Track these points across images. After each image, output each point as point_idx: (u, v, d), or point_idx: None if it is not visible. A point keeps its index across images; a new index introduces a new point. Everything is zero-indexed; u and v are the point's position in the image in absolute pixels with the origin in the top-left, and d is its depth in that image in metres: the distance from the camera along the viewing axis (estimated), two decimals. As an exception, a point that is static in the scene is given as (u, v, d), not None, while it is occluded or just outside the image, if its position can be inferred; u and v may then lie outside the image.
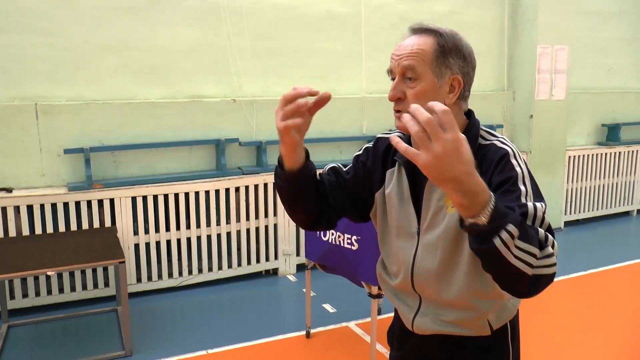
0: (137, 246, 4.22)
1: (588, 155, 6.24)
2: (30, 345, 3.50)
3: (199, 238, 4.41)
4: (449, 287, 1.35)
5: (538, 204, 1.18)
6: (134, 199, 4.13)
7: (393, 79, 1.33)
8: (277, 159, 1.38)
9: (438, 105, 0.98)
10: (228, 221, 4.51)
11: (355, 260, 3.09)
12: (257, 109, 4.68)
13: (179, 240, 4.34)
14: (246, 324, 3.82)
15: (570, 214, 6.25)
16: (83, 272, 4.05)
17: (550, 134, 5.87)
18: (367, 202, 1.51)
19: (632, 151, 6.52)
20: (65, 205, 3.93)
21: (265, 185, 4.60)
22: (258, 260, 4.67)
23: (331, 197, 1.47)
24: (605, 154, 6.35)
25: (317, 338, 3.60)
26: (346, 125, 5.09)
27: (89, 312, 3.96)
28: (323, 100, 1.27)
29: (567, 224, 6.24)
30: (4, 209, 3.79)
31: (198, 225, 4.38)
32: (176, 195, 4.28)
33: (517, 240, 1.05)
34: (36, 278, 3.91)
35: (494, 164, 1.27)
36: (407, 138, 1.40)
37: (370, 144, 1.54)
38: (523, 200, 1.19)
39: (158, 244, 4.29)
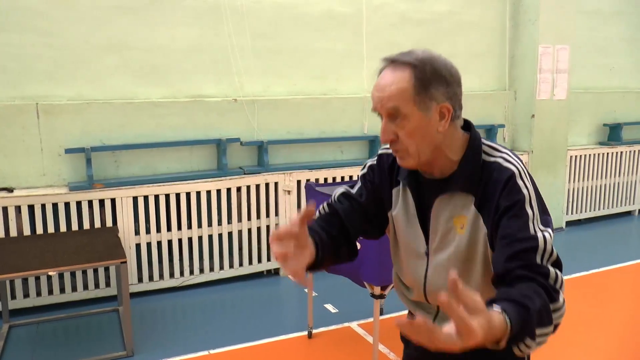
0: (138, 246, 4.21)
1: (589, 155, 6.24)
2: (31, 345, 3.49)
3: (200, 238, 4.41)
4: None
5: (547, 235, 1.21)
6: (135, 199, 4.12)
7: (379, 115, 1.31)
8: None
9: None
10: (229, 221, 4.50)
11: (357, 261, 3.06)
12: (259, 109, 4.67)
13: (180, 240, 4.34)
14: (248, 324, 3.81)
15: (571, 213, 6.25)
16: (84, 272, 4.04)
17: (552, 134, 5.86)
18: (384, 219, 1.51)
19: (634, 151, 6.51)
20: (67, 205, 3.93)
21: (267, 185, 4.59)
22: (259, 260, 4.66)
23: (350, 226, 1.46)
24: (607, 153, 6.34)
25: (319, 338, 3.59)
26: (347, 125, 5.08)
27: (90, 312, 3.95)
28: (307, 216, 1.21)
29: (568, 223, 6.24)
30: (5, 209, 3.78)
31: (199, 225, 4.38)
32: (177, 195, 4.27)
33: (536, 338, 1.10)
34: (37, 278, 3.90)
35: (501, 187, 1.26)
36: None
37: (372, 161, 1.53)
38: (530, 225, 1.22)
39: (159, 243, 4.28)
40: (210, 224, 4.43)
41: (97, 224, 4.02)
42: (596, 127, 6.53)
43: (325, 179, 4.77)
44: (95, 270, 4.07)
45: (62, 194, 3.91)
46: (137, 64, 4.31)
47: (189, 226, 4.34)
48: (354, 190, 1.52)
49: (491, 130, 5.76)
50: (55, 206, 3.91)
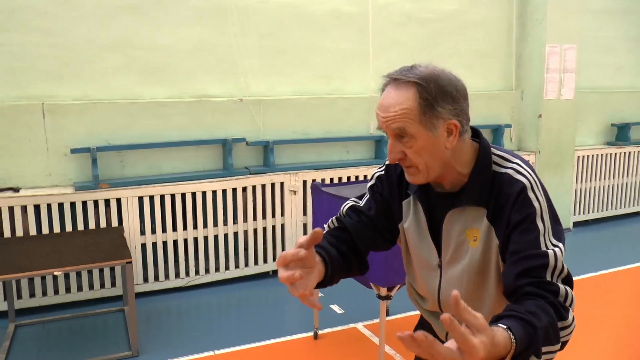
0: (144, 246, 4.21)
1: (597, 155, 6.19)
2: (37, 344, 3.50)
3: (205, 238, 4.40)
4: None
5: (557, 251, 1.20)
6: (140, 199, 4.12)
7: (386, 133, 1.31)
8: None
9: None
10: (235, 221, 4.49)
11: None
12: (264, 109, 4.66)
13: (185, 240, 4.33)
14: (253, 325, 3.80)
15: (579, 214, 6.20)
16: (90, 272, 4.04)
17: (559, 134, 5.82)
18: (394, 231, 1.49)
19: (642, 151, 6.47)
20: (72, 205, 3.93)
21: (272, 185, 4.58)
22: (265, 261, 4.65)
23: (359, 241, 1.45)
24: (615, 153, 6.29)
25: (325, 339, 3.58)
26: (353, 125, 5.07)
27: (96, 312, 3.95)
28: (315, 239, 1.19)
29: (575, 224, 6.20)
30: (11, 209, 3.79)
31: (205, 225, 4.37)
32: (183, 195, 4.27)
33: (542, 356, 1.10)
34: (43, 278, 3.90)
35: (512, 201, 1.25)
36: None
37: (380, 172, 1.51)
38: (541, 240, 1.21)
39: (165, 244, 4.28)
40: (215, 224, 4.42)
41: (103, 224, 4.03)
42: (604, 127, 6.48)
43: (331, 179, 4.75)
44: (101, 270, 4.07)
45: (68, 193, 3.91)
46: (143, 63, 4.31)
47: (195, 226, 4.34)
48: (362, 203, 1.50)
49: (498, 131, 5.73)
50: (61, 206, 3.91)
